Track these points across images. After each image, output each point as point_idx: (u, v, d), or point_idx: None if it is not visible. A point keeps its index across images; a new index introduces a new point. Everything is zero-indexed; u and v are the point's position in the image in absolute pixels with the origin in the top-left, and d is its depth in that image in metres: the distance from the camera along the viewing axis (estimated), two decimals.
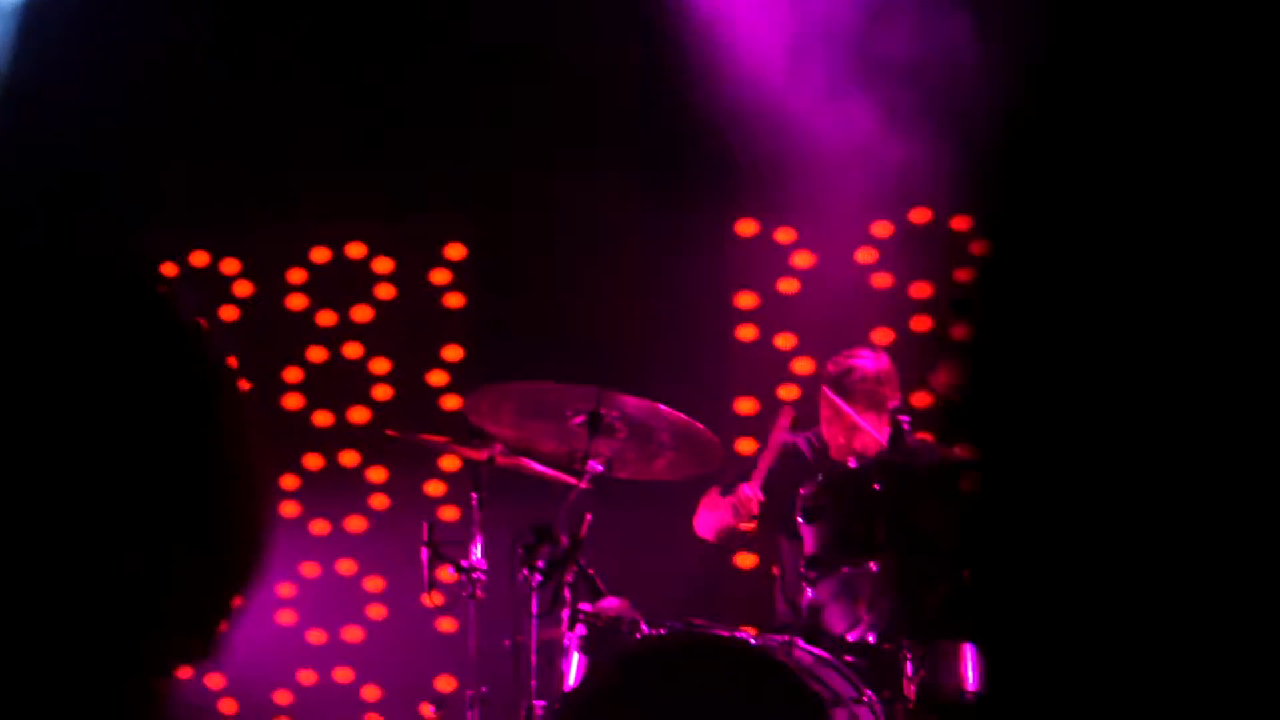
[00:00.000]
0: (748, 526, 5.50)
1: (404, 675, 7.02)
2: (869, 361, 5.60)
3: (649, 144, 7.06)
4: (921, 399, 6.40)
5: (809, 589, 4.76)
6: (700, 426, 4.94)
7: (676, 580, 6.30)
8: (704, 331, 7.04)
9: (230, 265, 7.41)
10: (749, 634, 4.80)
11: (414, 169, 7.24)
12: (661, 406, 4.86)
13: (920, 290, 6.95)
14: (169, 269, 7.47)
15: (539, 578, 4.85)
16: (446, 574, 5.30)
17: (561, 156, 7.02)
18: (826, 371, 5.64)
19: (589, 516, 4.85)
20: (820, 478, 4.82)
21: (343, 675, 7.14)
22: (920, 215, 6.97)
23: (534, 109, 7.12)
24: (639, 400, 4.85)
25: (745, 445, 6.82)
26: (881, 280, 6.98)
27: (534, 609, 4.86)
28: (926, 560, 4.72)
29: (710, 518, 5.64)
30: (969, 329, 5.46)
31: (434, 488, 7.13)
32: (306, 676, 7.14)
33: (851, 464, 4.96)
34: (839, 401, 5.38)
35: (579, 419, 4.94)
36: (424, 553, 5.17)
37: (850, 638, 4.85)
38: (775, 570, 5.69)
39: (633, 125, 7.11)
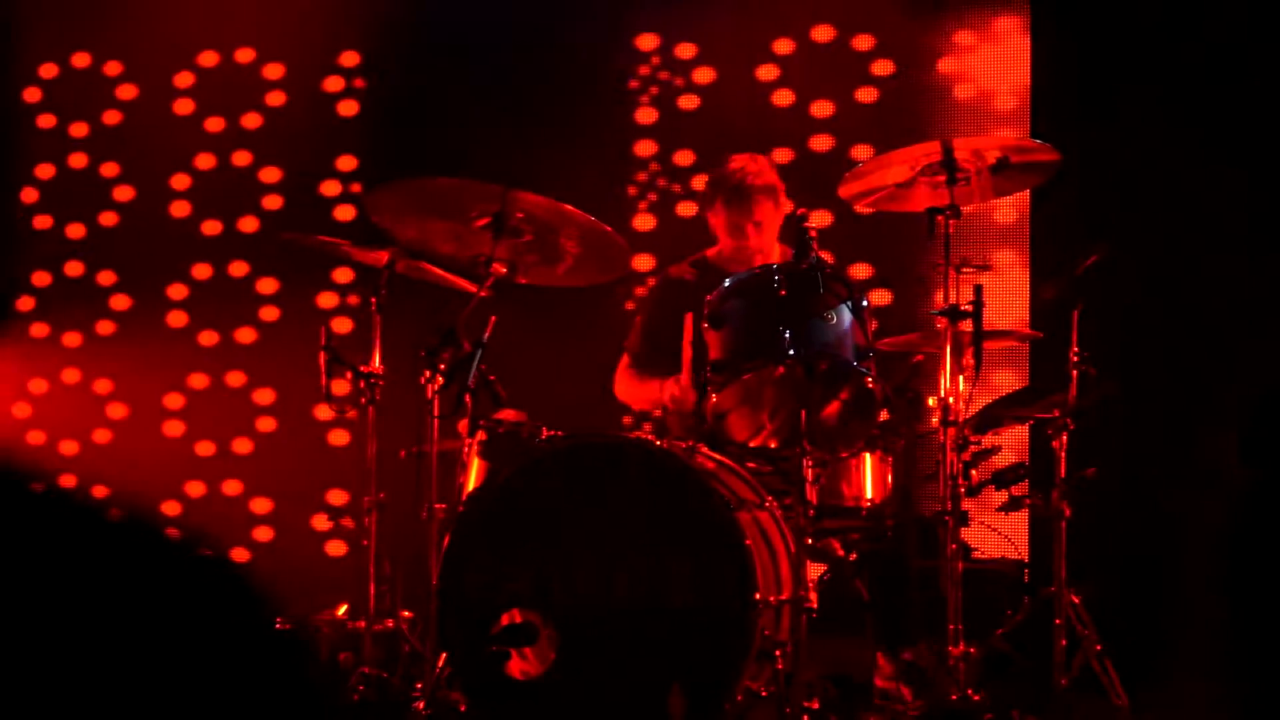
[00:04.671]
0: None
1: (294, 487, 6.95)
2: (751, 162, 5.59)
3: None
4: (821, 218, 6.37)
5: (713, 394, 4.69)
6: (609, 229, 4.86)
7: (567, 395, 6.26)
8: (603, 147, 6.94)
9: (113, 67, 7.18)
10: (652, 439, 4.75)
11: None
12: (569, 207, 4.76)
13: (821, 109, 6.90)
14: (49, 70, 7.22)
15: (441, 381, 4.77)
16: (340, 386, 5.20)
17: None
18: (717, 181, 5.61)
19: (494, 319, 4.77)
20: (727, 283, 4.73)
21: (231, 488, 7.05)
22: (823, 33, 6.89)
23: None
24: (546, 200, 4.75)
25: (643, 263, 6.78)
26: (782, 98, 6.92)
27: (435, 413, 4.79)
28: (830, 367, 4.67)
29: (637, 393, 5.72)
30: None
31: (326, 299, 7.01)
32: (194, 488, 7.04)
33: (756, 270, 4.88)
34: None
35: (484, 220, 4.84)
36: (322, 357, 5.08)
37: (752, 444, 4.83)
38: (667, 399, 5.67)
39: None
